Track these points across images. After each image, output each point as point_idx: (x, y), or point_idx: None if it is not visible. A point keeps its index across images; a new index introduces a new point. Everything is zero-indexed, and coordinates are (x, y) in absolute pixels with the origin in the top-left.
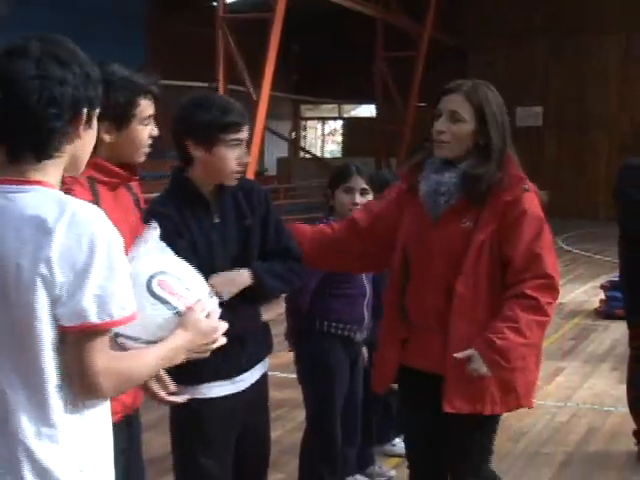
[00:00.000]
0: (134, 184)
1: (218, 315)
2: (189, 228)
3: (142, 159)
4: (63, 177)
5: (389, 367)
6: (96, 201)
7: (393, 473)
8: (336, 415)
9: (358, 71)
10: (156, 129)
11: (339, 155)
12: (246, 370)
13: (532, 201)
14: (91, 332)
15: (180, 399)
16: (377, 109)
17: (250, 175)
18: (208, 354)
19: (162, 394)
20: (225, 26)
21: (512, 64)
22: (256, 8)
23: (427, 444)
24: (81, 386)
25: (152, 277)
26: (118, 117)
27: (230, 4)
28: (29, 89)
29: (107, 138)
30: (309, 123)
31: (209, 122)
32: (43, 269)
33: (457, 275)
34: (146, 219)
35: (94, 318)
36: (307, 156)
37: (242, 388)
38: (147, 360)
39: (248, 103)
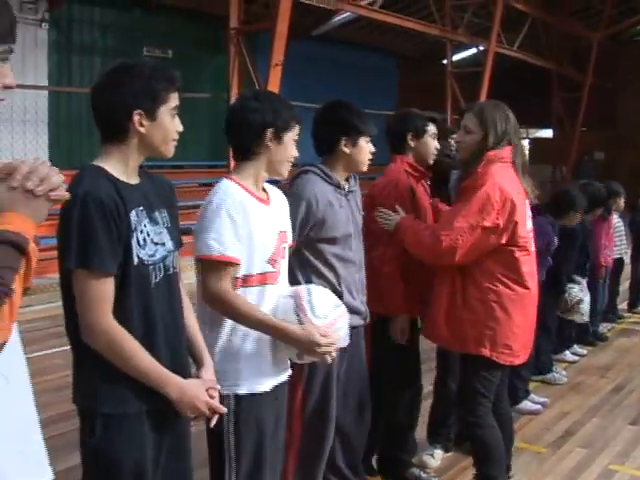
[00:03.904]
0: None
1: (340, 331)
2: None
3: (431, 162)
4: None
5: None
6: (413, 187)
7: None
8: None
9: (540, 106)
10: (438, 144)
11: None
12: None
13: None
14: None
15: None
16: (553, 132)
17: None
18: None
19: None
20: (451, 76)
21: None
22: (473, 64)
23: None
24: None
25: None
26: (417, 132)
27: (455, 61)
28: None
29: (411, 144)
30: None
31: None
32: None
33: None
34: None
35: None
36: None
37: None
38: (254, 312)
39: None
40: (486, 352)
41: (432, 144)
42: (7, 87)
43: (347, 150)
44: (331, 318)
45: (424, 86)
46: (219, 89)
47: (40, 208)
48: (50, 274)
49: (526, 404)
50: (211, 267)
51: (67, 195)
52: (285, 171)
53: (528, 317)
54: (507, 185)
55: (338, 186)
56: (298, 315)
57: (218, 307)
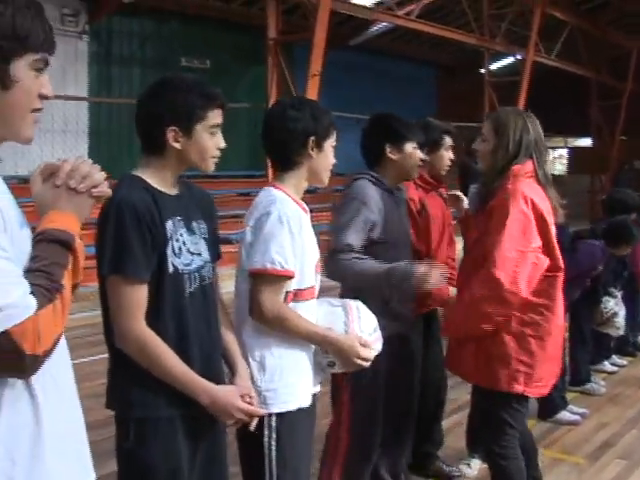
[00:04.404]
0: (442, 190)
1: (372, 352)
2: None
3: (444, 173)
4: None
5: None
6: (423, 200)
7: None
8: None
9: (578, 114)
10: (452, 155)
11: (564, 173)
12: None
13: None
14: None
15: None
16: (592, 141)
17: None
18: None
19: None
20: (489, 85)
21: None
22: (510, 73)
23: None
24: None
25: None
26: (433, 146)
27: (493, 70)
28: None
29: (426, 157)
30: None
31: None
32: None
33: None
34: None
35: None
36: None
37: None
38: (306, 325)
39: None
40: (519, 388)
41: (447, 156)
42: (42, 97)
43: (393, 157)
44: (373, 337)
45: (462, 95)
46: (257, 99)
47: (83, 205)
48: (90, 282)
49: (565, 414)
50: (270, 281)
51: (109, 192)
52: (326, 179)
53: (559, 346)
54: (538, 200)
55: (390, 192)
56: (346, 326)
57: (274, 323)
